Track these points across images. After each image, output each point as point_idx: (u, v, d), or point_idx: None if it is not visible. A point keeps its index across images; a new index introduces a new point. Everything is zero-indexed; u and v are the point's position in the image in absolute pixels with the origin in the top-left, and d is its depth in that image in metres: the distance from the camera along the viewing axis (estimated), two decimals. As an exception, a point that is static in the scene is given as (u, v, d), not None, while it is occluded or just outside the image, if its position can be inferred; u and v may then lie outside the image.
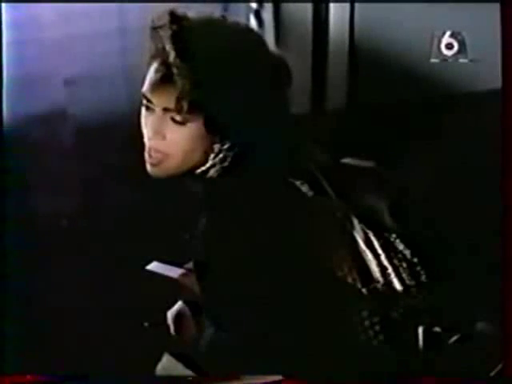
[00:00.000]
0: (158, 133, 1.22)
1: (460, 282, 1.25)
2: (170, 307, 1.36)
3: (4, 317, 1.42)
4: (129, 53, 1.69)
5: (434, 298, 1.21)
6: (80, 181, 1.59)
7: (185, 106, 1.18)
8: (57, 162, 1.59)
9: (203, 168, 1.23)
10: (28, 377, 1.36)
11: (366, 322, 1.18)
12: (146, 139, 1.25)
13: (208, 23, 1.23)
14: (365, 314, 1.18)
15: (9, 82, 1.46)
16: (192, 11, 1.24)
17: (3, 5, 1.46)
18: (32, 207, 1.54)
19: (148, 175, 1.26)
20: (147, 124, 1.24)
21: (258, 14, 1.68)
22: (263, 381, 1.27)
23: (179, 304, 1.36)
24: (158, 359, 1.32)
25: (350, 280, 1.19)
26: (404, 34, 1.60)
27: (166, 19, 1.20)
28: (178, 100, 1.18)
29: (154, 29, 1.21)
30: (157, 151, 1.23)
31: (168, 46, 1.18)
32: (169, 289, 1.38)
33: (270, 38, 1.66)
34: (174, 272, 1.39)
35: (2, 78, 1.46)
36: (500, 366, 1.27)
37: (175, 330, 1.35)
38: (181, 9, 1.23)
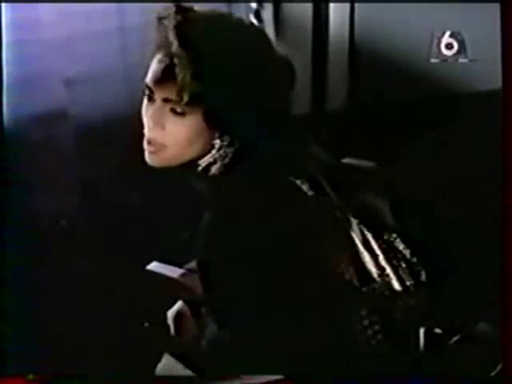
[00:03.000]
0: (158, 123, 1.22)
1: (460, 282, 1.24)
2: (170, 307, 1.36)
3: (4, 317, 1.42)
4: (129, 52, 1.69)
5: (434, 298, 1.21)
6: (80, 181, 1.59)
7: (185, 97, 1.18)
8: (57, 162, 1.59)
9: (204, 165, 1.24)
10: (28, 377, 1.36)
11: (365, 321, 1.18)
12: (145, 130, 1.25)
13: (213, 17, 1.23)
14: (364, 313, 1.18)
15: (9, 82, 1.46)
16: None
17: (3, 5, 1.46)
18: (32, 207, 1.53)
19: (148, 176, 1.26)
20: (147, 114, 1.24)
21: (258, 14, 1.68)
22: (263, 380, 1.27)
23: (179, 304, 1.36)
24: (158, 359, 1.32)
25: (348, 279, 1.19)
26: (404, 34, 1.59)
27: (171, 9, 1.20)
28: (179, 91, 1.18)
29: (159, 19, 1.21)
30: (155, 142, 1.23)
31: (171, 36, 1.18)
32: (169, 289, 1.38)
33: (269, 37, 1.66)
34: (174, 272, 1.39)
35: (2, 78, 1.46)
36: (500, 366, 1.27)
37: (175, 330, 1.35)
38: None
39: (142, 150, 1.26)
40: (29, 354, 1.43)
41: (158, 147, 1.23)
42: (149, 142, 1.24)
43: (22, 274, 1.46)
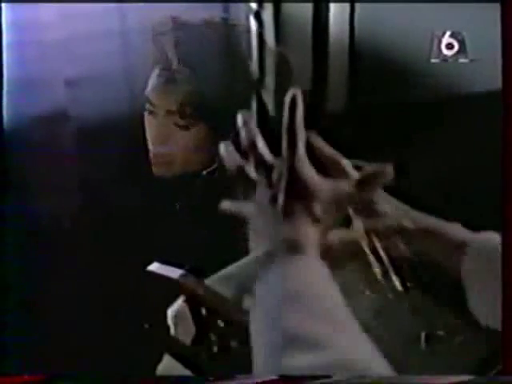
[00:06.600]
0: (162, 138, 1.23)
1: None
2: (169, 307, 1.36)
3: (4, 317, 1.42)
4: (130, 54, 1.69)
5: (434, 298, 1.21)
6: (80, 182, 1.59)
7: (188, 110, 1.18)
8: (57, 163, 1.59)
9: (209, 169, 1.24)
10: (27, 377, 1.37)
11: (370, 324, 1.18)
12: (149, 144, 1.25)
13: (209, 28, 1.23)
14: (368, 315, 1.18)
15: (9, 84, 1.46)
16: (193, 12, 1.24)
17: (3, 5, 1.46)
18: (32, 208, 1.54)
19: (148, 176, 1.27)
20: (150, 129, 1.25)
21: (258, 15, 1.68)
22: (262, 380, 1.27)
23: (179, 304, 1.36)
24: (159, 360, 1.32)
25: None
26: (404, 34, 1.60)
27: (168, 26, 1.20)
28: (181, 105, 1.18)
29: (156, 35, 1.21)
30: (161, 156, 1.23)
31: (170, 53, 1.19)
32: (169, 289, 1.38)
33: (270, 38, 1.66)
34: (174, 272, 1.39)
35: (3, 79, 1.46)
36: (500, 366, 1.27)
37: (175, 330, 1.35)
38: (182, 9, 1.24)
39: (142, 151, 1.26)
40: (29, 353, 1.43)
41: (164, 160, 1.23)
42: (154, 156, 1.24)
43: (22, 274, 1.46)
